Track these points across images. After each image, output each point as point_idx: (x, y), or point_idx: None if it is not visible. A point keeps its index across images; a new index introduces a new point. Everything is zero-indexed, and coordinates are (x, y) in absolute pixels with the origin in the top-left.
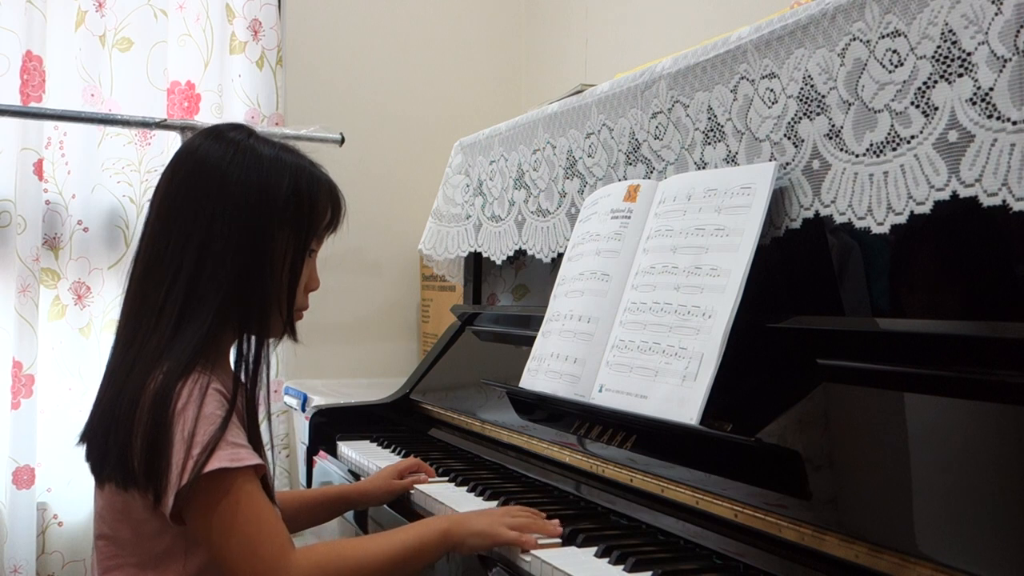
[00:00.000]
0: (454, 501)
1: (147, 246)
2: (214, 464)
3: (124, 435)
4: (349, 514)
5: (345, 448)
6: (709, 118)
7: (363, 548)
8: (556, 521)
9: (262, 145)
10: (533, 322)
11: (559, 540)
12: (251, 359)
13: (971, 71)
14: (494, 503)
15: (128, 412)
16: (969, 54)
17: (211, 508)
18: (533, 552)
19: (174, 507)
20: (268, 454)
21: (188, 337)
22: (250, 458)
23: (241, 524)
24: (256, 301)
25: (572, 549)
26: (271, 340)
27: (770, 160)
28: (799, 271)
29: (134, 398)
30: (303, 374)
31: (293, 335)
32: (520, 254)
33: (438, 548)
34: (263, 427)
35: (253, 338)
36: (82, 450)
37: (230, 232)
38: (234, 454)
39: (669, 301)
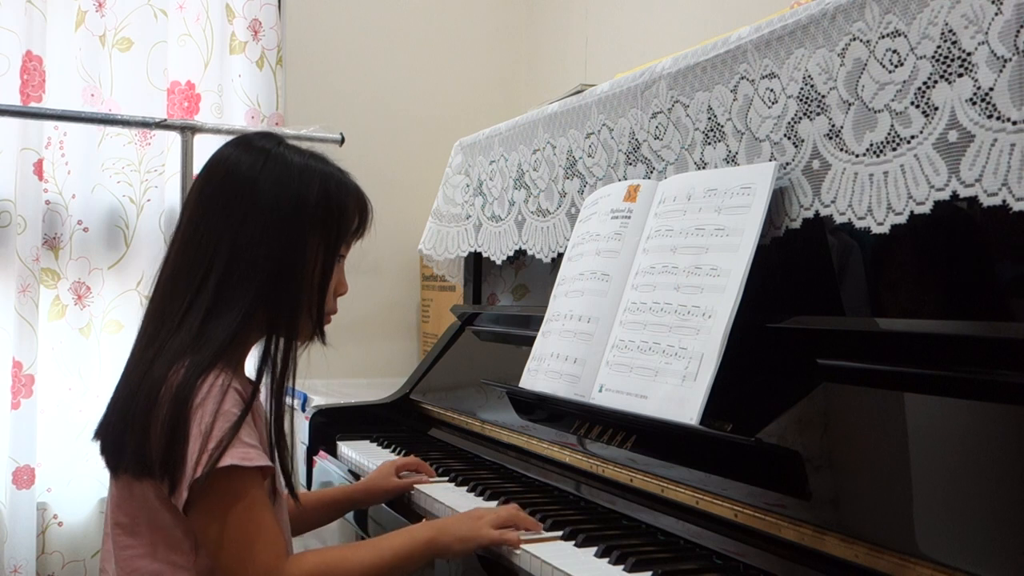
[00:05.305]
0: (454, 501)
1: (177, 250)
2: (226, 460)
3: (142, 427)
4: (349, 514)
5: (345, 448)
6: (709, 118)
7: (351, 557)
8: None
9: (291, 153)
10: (533, 322)
11: (558, 536)
12: (279, 361)
13: (971, 71)
14: (494, 503)
15: (147, 405)
16: (969, 54)
17: (217, 504)
18: (533, 552)
19: (187, 499)
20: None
21: (213, 337)
22: (259, 459)
23: (242, 524)
24: (287, 305)
25: (572, 549)
26: (299, 343)
27: (770, 160)
28: (799, 271)
29: (153, 391)
30: (303, 374)
31: (323, 338)
32: (520, 254)
33: (424, 556)
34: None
35: (282, 340)
36: (84, 449)
37: (262, 238)
38: (245, 453)
39: (669, 301)
